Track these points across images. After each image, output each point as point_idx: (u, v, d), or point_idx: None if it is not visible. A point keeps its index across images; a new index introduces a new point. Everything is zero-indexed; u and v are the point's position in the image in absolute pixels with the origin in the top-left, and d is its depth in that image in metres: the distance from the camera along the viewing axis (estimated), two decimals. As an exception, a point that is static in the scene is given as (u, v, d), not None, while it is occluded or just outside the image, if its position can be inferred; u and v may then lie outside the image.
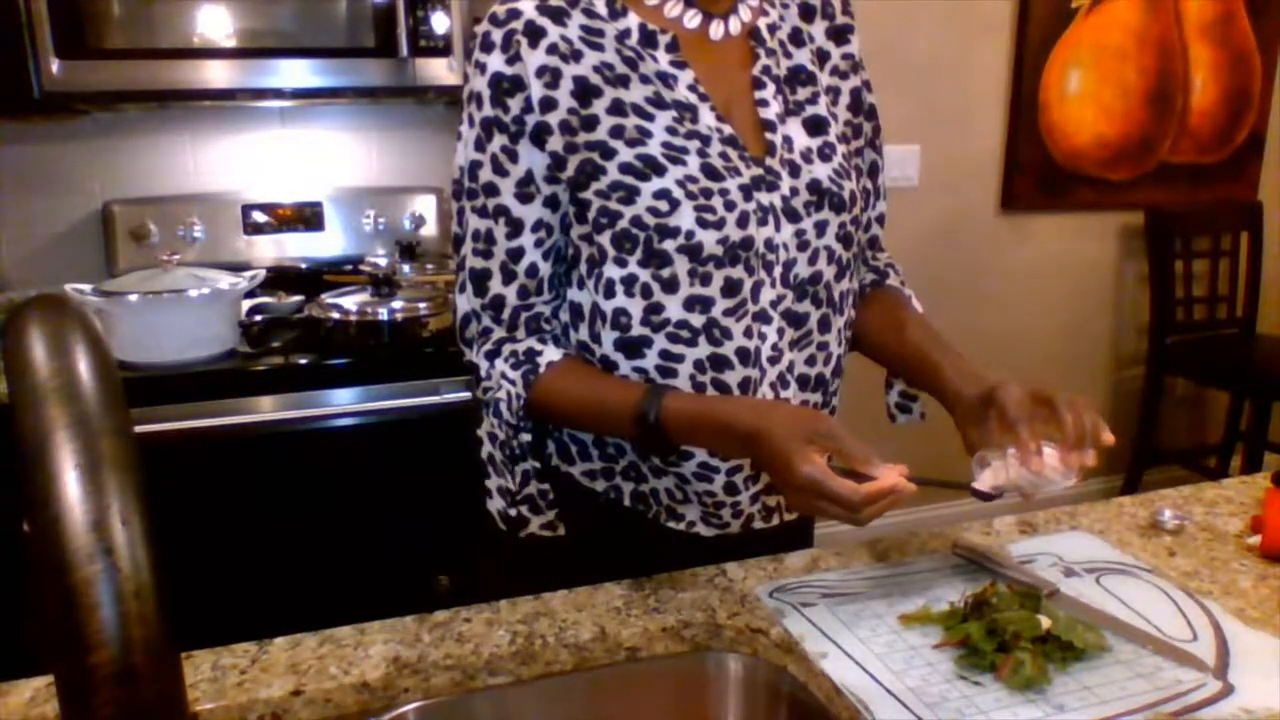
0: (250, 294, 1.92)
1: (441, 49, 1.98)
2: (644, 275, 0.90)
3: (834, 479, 0.78)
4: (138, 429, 0.48)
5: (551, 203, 0.93)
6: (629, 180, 0.89)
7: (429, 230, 2.36)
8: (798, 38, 0.99)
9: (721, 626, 0.85)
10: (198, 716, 0.73)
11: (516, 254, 0.93)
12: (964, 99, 2.86)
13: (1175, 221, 3.01)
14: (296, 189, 2.31)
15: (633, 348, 0.93)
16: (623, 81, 0.90)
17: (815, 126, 0.97)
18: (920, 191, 2.85)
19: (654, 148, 0.89)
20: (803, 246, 0.94)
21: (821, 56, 1.01)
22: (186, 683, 0.75)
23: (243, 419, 1.74)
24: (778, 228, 0.92)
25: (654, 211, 0.88)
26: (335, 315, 1.86)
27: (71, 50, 1.80)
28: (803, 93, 0.98)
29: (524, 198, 0.92)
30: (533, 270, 0.94)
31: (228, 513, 1.77)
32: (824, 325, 0.98)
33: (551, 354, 0.94)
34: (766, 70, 0.96)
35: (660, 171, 0.89)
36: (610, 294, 0.92)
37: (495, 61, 0.89)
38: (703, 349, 0.92)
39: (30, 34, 1.78)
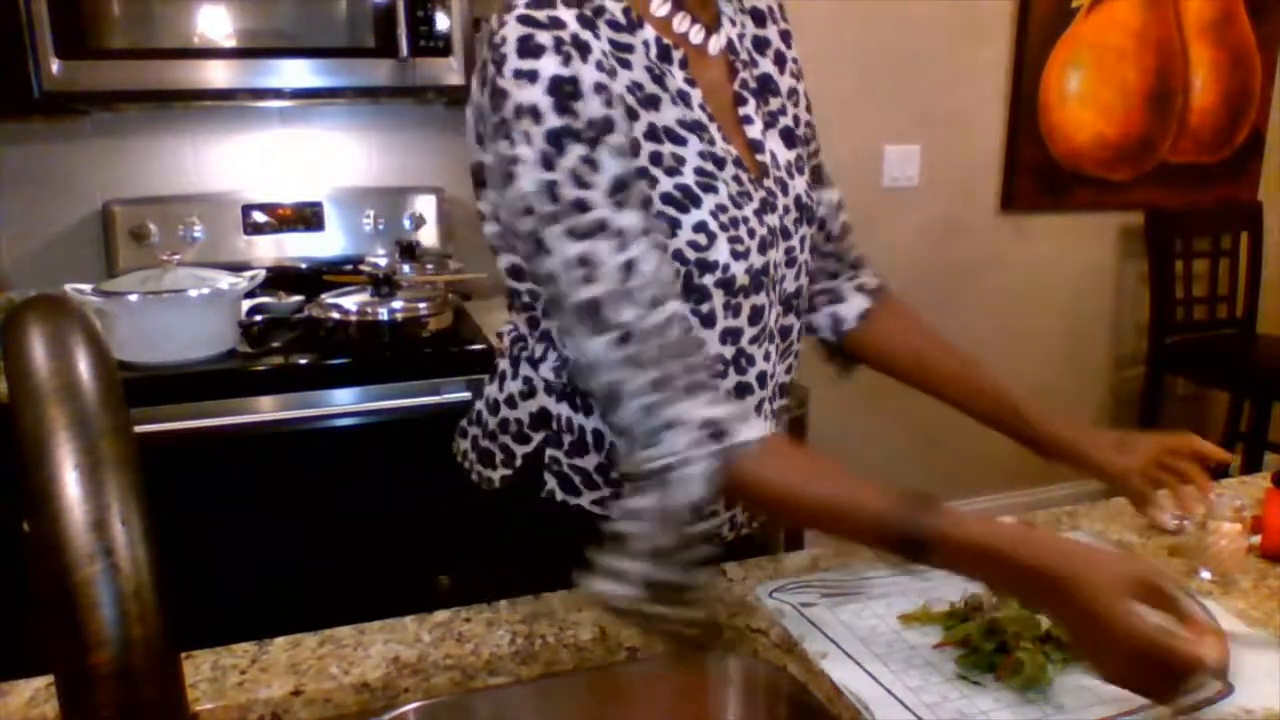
0: (250, 294, 1.92)
1: (442, 49, 1.98)
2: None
3: (1177, 638, 0.64)
4: (138, 429, 0.48)
5: (647, 203, 0.82)
6: (670, 212, 0.83)
7: (429, 230, 2.36)
8: (760, 45, 0.97)
9: (721, 626, 0.85)
10: (198, 716, 0.73)
11: (629, 267, 0.78)
12: (964, 99, 2.86)
13: (1175, 221, 3.01)
14: (296, 189, 2.31)
15: None
16: (653, 103, 0.84)
17: (789, 138, 0.96)
18: (920, 191, 2.86)
19: (689, 176, 0.84)
20: (791, 263, 0.94)
21: (779, 60, 0.99)
22: (186, 683, 0.75)
23: (243, 419, 1.74)
24: (776, 248, 0.92)
25: (694, 245, 0.83)
26: (335, 315, 1.86)
27: (71, 50, 1.80)
28: (774, 103, 0.96)
29: (619, 205, 0.79)
30: (656, 277, 0.79)
31: (228, 513, 1.77)
32: (799, 333, 1.00)
33: (753, 429, 0.78)
34: (744, 84, 0.93)
35: (696, 202, 0.84)
36: None
37: (550, 65, 0.77)
38: (731, 379, 0.90)
39: (30, 34, 1.78)
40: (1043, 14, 2.83)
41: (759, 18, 0.98)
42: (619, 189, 0.79)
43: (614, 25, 0.83)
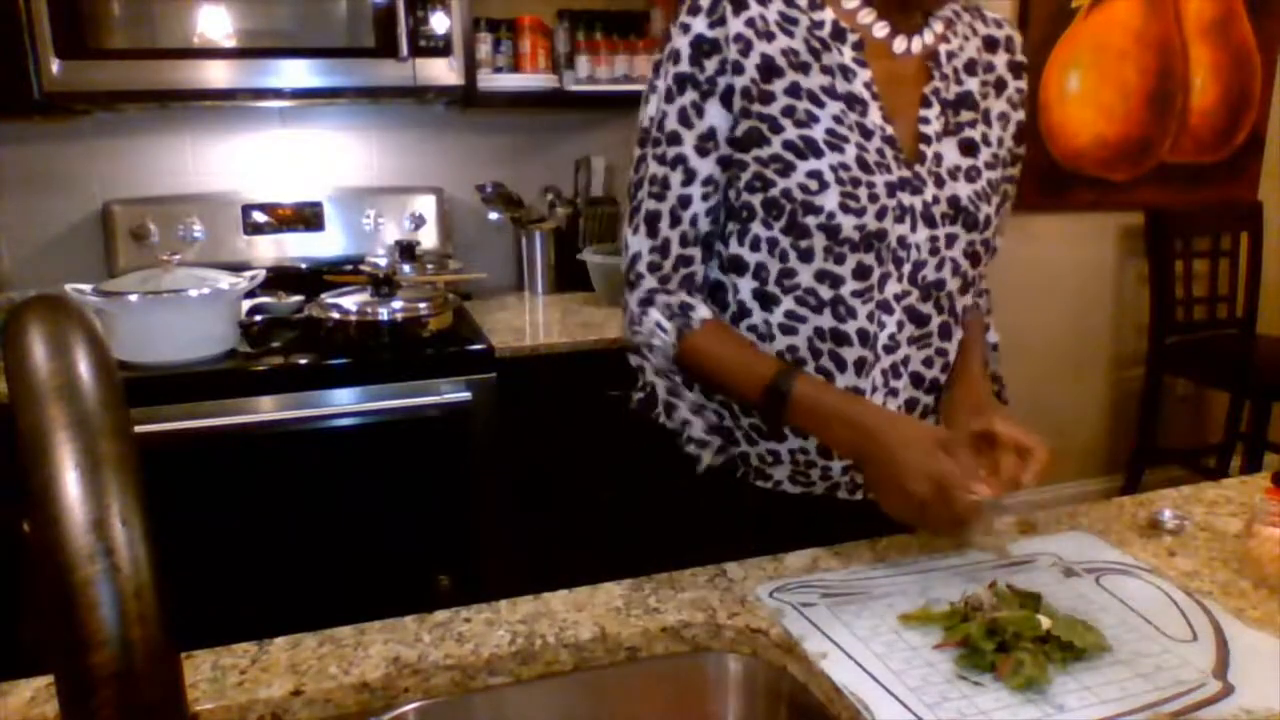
0: (250, 294, 1.92)
1: (441, 49, 1.98)
2: (784, 242, 0.98)
3: (973, 473, 0.86)
4: (138, 429, 0.48)
5: (724, 161, 1.00)
6: (788, 156, 0.96)
7: (429, 230, 2.36)
8: (972, 67, 1.05)
9: (721, 626, 0.85)
10: (198, 716, 0.73)
11: (685, 201, 1.01)
12: (964, 99, 2.85)
13: (1175, 221, 3.01)
14: (296, 189, 2.31)
15: (766, 299, 1.02)
16: (804, 68, 0.97)
17: (968, 148, 1.03)
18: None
19: (817, 132, 0.96)
20: (934, 252, 1.01)
21: (999, 85, 1.07)
22: (186, 683, 0.75)
23: (243, 419, 1.74)
24: (913, 229, 0.99)
25: (803, 189, 0.96)
26: (335, 315, 1.86)
27: (71, 50, 1.80)
28: (965, 115, 1.04)
29: (702, 151, 0.99)
30: (695, 220, 1.01)
31: (228, 513, 1.77)
32: (944, 332, 1.05)
33: (704, 312, 1.02)
34: (936, 92, 1.02)
35: (818, 154, 0.96)
36: (756, 248, 1.01)
37: (699, 24, 0.96)
38: (826, 319, 1.00)
39: (30, 34, 1.78)
40: (1043, 14, 2.83)
41: (990, 44, 1.08)
42: (709, 138, 0.98)
43: (790, 3, 0.99)
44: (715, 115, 0.98)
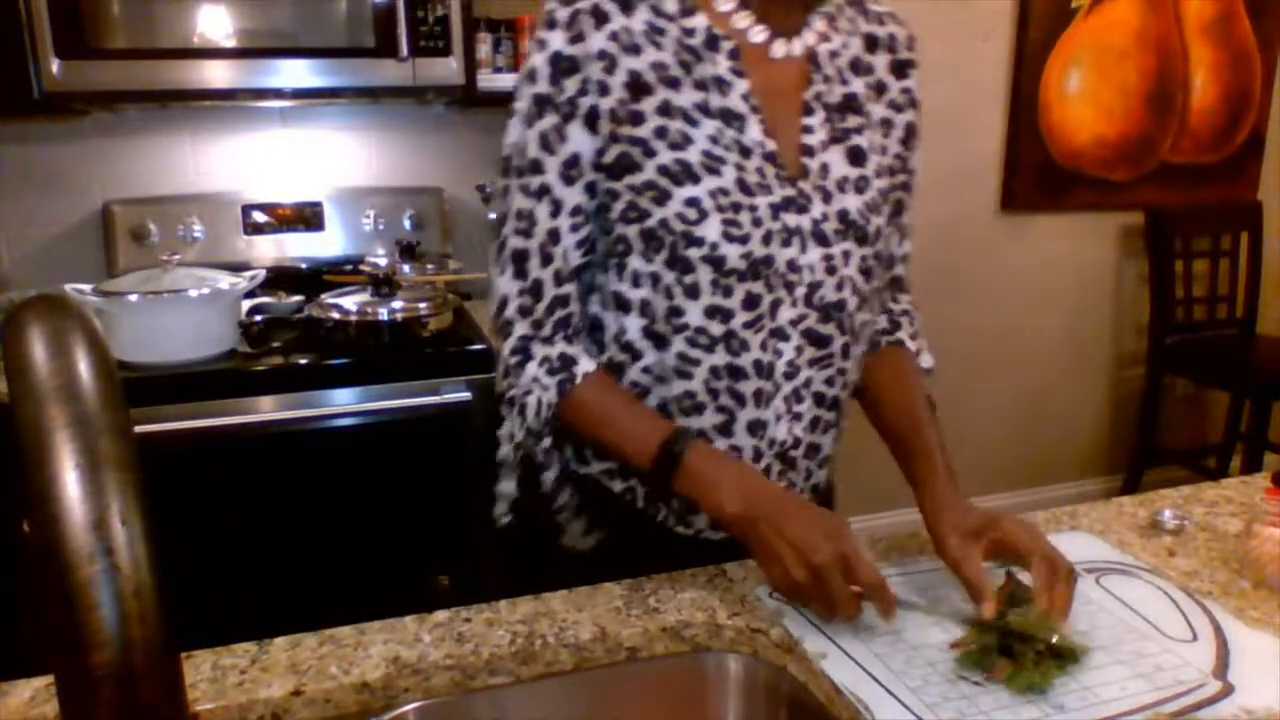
0: (250, 294, 1.92)
1: (441, 49, 1.98)
2: (668, 277, 0.91)
3: (868, 558, 0.81)
4: (138, 429, 0.48)
5: (591, 189, 0.91)
6: (663, 183, 0.88)
7: (429, 230, 2.36)
8: (857, 66, 0.98)
9: (721, 626, 0.85)
10: (198, 716, 0.73)
11: (555, 235, 0.92)
12: (964, 99, 2.86)
13: (1175, 221, 3.01)
14: (296, 189, 2.31)
15: (658, 339, 0.94)
16: (674, 84, 0.89)
17: (855, 157, 0.96)
18: (919, 191, 2.85)
19: (693, 154, 0.89)
20: (831, 271, 0.94)
21: (880, 88, 1.00)
22: (186, 683, 0.75)
23: (243, 419, 1.74)
24: (804, 249, 0.92)
25: (682, 218, 0.88)
26: (335, 315, 1.86)
27: (71, 50, 1.80)
28: (851, 121, 0.97)
29: (568, 179, 0.90)
30: (566, 254, 0.93)
31: (228, 513, 1.77)
32: (845, 351, 0.99)
33: (587, 365, 0.94)
34: (819, 96, 0.95)
35: (695, 179, 0.88)
36: (638, 284, 0.93)
37: (557, 40, 0.88)
38: (720, 356, 0.93)
39: (30, 34, 1.78)
40: (1043, 14, 2.83)
41: (871, 43, 1.00)
42: (573, 164, 0.90)
43: (657, 11, 0.90)
44: (579, 140, 0.89)
